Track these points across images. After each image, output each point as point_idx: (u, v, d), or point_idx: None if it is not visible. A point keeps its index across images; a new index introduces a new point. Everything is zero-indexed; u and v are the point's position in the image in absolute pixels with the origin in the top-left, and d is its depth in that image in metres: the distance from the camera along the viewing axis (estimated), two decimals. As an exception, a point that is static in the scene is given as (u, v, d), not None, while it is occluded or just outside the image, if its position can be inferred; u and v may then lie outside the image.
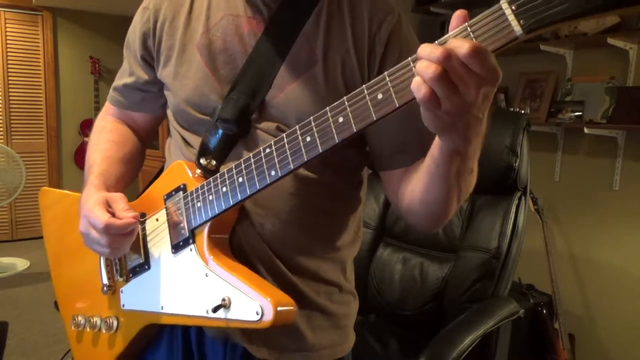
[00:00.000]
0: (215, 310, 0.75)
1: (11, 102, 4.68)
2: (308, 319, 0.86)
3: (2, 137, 4.65)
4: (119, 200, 0.84)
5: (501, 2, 0.53)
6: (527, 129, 1.64)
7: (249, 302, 0.72)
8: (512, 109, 2.80)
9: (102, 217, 0.80)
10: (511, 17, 0.52)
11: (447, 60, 0.53)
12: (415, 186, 0.77)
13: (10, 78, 4.65)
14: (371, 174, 1.77)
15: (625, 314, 2.51)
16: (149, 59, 0.92)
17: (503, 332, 1.56)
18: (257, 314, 0.70)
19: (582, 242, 2.67)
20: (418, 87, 0.56)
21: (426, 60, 0.54)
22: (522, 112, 2.53)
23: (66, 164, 5.06)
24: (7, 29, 4.60)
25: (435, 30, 3.23)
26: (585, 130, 2.44)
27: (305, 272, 0.85)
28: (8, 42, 4.61)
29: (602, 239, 2.58)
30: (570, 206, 2.71)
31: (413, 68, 0.58)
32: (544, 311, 2.47)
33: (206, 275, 0.78)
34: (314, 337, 0.86)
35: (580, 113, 2.58)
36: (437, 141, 0.67)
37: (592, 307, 2.64)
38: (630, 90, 2.40)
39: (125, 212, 0.82)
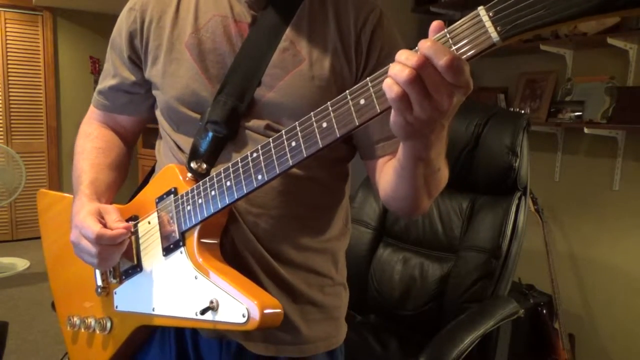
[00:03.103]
0: (203, 312, 0.76)
1: (11, 102, 4.68)
2: (302, 312, 0.87)
3: (2, 137, 4.65)
4: (111, 211, 0.86)
5: (479, 8, 0.54)
6: (527, 129, 1.65)
7: (236, 305, 0.73)
8: (512, 109, 2.80)
9: (94, 227, 0.81)
10: (488, 24, 0.53)
11: (423, 67, 0.54)
12: (387, 182, 0.80)
13: (10, 78, 4.64)
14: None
15: (625, 314, 2.51)
16: (136, 59, 0.92)
17: (503, 332, 1.56)
18: (244, 316, 0.72)
19: (582, 242, 2.67)
20: (390, 87, 0.56)
21: (401, 64, 0.55)
22: (522, 112, 2.53)
23: (66, 164, 5.05)
24: (7, 29, 4.60)
25: (435, 30, 3.22)
26: (585, 130, 2.44)
27: (297, 266, 0.87)
28: (8, 42, 4.60)
29: (602, 239, 2.58)
30: (570, 206, 2.71)
31: None
32: (544, 311, 2.46)
33: (195, 278, 0.79)
34: (308, 329, 0.87)
35: (580, 113, 2.58)
36: (401, 146, 0.69)
37: (592, 307, 2.64)
38: (630, 90, 2.40)
39: (117, 223, 0.83)
